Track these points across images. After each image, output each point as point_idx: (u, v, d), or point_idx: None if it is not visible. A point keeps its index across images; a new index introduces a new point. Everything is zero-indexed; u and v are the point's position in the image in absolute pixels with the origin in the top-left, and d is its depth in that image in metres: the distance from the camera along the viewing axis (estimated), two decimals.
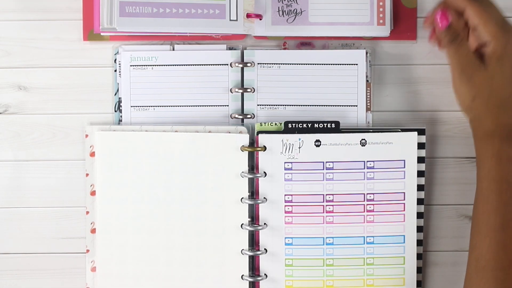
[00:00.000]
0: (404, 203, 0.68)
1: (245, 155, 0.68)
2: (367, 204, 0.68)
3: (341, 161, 0.68)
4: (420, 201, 0.69)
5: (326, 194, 0.68)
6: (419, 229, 0.69)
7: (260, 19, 0.70)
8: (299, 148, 0.67)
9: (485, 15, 0.61)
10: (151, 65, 0.70)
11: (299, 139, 0.67)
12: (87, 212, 0.70)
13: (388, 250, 0.68)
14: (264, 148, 0.68)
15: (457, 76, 0.63)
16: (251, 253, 0.68)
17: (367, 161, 0.68)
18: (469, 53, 0.62)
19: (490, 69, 0.61)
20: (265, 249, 0.68)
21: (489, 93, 0.62)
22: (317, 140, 0.67)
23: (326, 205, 0.68)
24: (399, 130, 0.68)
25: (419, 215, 0.69)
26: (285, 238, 0.68)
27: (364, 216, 0.68)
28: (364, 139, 0.67)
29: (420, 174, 0.68)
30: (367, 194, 0.68)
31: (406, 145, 0.68)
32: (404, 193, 0.68)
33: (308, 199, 0.68)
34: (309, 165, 0.68)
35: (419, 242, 0.69)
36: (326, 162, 0.68)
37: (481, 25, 0.61)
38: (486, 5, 0.62)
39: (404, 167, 0.68)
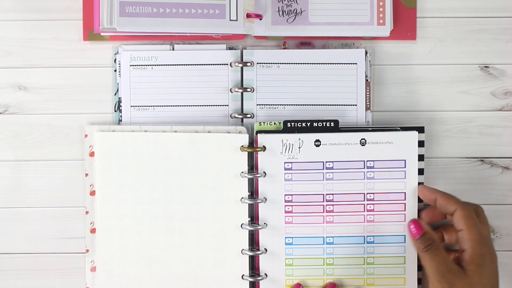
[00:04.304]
0: (404, 203, 0.68)
1: (244, 155, 0.68)
2: (367, 204, 0.68)
3: (341, 161, 0.68)
4: (420, 199, 0.69)
5: (326, 194, 0.68)
6: None
7: (260, 19, 0.70)
8: (299, 148, 0.67)
9: (471, 221, 0.62)
10: (151, 65, 0.70)
11: (299, 139, 0.67)
12: (87, 212, 0.70)
13: (388, 250, 0.68)
14: (264, 148, 0.67)
15: (437, 283, 0.61)
16: (251, 253, 0.68)
17: (367, 161, 0.68)
18: (447, 259, 0.62)
19: (470, 276, 0.61)
20: (265, 248, 0.68)
21: None
22: (317, 140, 0.67)
23: (326, 205, 0.68)
24: (398, 128, 0.68)
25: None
26: (285, 237, 0.68)
27: (364, 216, 0.68)
28: (364, 139, 0.67)
29: (419, 172, 0.68)
30: (367, 193, 0.68)
31: (406, 145, 0.67)
32: (404, 193, 0.68)
33: (308, 198, 0.68)
34: (309, 165, 0.67)
35: None
36: (326, 162, 0.67)
37: (465, 231, 0.62)
38: (473, 213, 0.63)
39: (405, 167, 0.68)
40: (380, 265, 0.68)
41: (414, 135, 0.68)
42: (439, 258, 0.62)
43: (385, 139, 0.67)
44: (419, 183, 0.68)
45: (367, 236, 0.68)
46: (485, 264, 0.61)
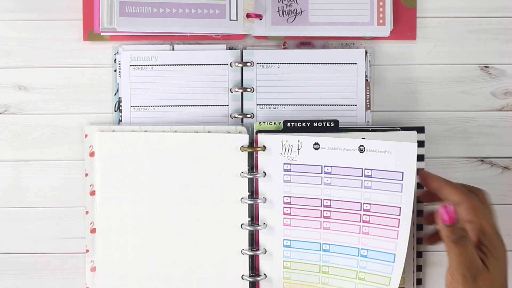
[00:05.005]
0: (398, 219, 0.64)
1: (244, 155, 0.68)
2: (363, 214, 0.65)
3: (339, 167, 0.66)
4: (420, 199, 0.68)
5: (324, 199, 0.67)
6: (419, 227, 0.69)
7: (260, 19, 0.70)
8: (298, 150, 0.67)
9: (480, 212, 0.60)
10: (151, 65, 0.70)
11: (298, 141, 0.67)
12: (87, 212, 0.70)
13: (378, 267, 0.65)
14: (264, 148, 0.67)
15: (460, 276, 0.58)
16: (251, 253, 0.68)
17: (365, 169, 0.65)
18: (475, 254, 0.58)
19: (492, 270, 0.59)
20: (264, 249, 0.68)
21: None
22: (316, 143, 0.66)
23: (324, 210, 0.67)
24: (398, 128, 0.68)
25: (419, 213, 0.68)
26: (284, 239, 0.68)
27: (360, 227, 0.66)
28: (362, 146, 0.65)
29: (419, 172, 0.67)
30: (364, 203, 0.65)
31: (405, 157, 0.63)
32: (399, 208, 0.64)
33: (306, 202, 0.67)
34: (308, 168, 0.67)
35: (419, 240, 0.69)
36: (324, 166, 0.66)
37: (476, 223, 0.60)
38: (480, 204, 0.61)
39: (402, 180, 0.64)
40: (370, 283, 0.65)
41: (413, 147, 0.63)
42: (468, 252, 0.58)
43: (384, 148, 0.64)
44: (420, 169, 0.65)
45: (361, 248, 0.66)
46: (500, 257, 0.59)
